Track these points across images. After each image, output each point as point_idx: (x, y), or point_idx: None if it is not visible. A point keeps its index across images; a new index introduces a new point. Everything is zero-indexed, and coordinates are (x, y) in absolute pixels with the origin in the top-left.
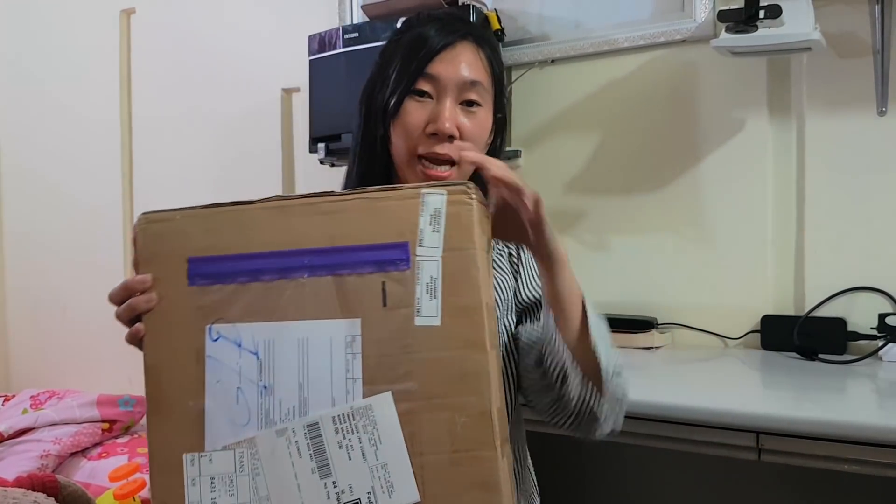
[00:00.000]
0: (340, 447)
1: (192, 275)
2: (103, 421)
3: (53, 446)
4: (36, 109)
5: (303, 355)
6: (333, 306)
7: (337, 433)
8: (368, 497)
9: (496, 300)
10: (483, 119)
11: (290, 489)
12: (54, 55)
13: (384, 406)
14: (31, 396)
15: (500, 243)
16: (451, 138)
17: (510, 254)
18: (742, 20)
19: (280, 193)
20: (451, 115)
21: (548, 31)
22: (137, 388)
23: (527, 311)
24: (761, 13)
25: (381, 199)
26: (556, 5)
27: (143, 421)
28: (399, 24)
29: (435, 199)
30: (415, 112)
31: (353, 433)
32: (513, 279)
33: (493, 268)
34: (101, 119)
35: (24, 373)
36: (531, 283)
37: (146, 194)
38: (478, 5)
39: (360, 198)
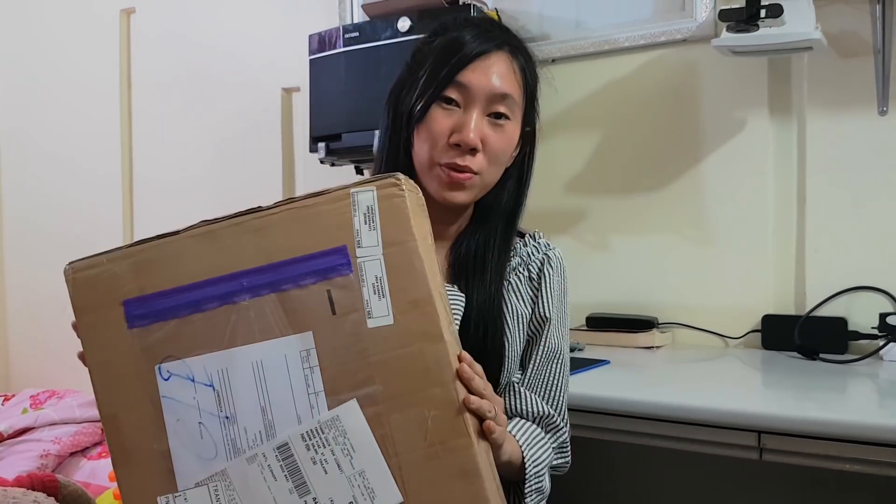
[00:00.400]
0: (314, 463)
1: (130, 317)
2: None
3: (53, 446)
4: (36, 109)
5: (259, 378)
6: (282, 324)
7: (308, 450)
8: None
9: (507, 327)
10: (510, 133)
11: None
12: (54, 55)
13: (351, 414)
14: (31, 396)
15: (523, 266)
16: (473, 151)
17: (530, 277)
18: (743, 19)
19: (274, 199)
20: (476, 126)
21: (548, 30)
22: None
23: (532, 335)
24: (762, 13)
25: (311, 206)
26: (556, 5)
27: None
28: (400, 28)
29: (365, 197)
30: (441, 119)
31: (324, 447)
32: (531, 304)
33: (512, 292)
34: (100, 119)
35: (23, 372)
36: (548, 302)
37: (146, 194)
38: (478, 5)
39: (289, 208)
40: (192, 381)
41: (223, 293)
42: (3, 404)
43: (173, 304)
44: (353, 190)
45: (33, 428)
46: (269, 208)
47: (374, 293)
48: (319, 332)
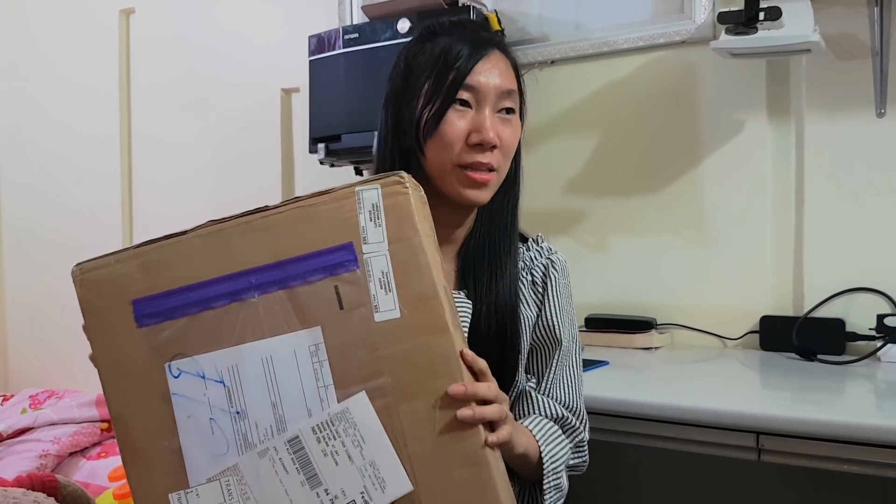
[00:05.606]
0: (325, 455)
1: (139, 316)
2: (102, 421)
3: (53, 446)
4: (35, 109)
5: (269, 373)
6: (291, 319)
7: (319, 442)
8: (363, 496)
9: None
10: (516, 126)
11: None
12: (53, 55)
13: (360, 406)
14: (31, 396)
15: (526, 270)
16: (493, 147)
17: (533, 281)
18: (742, 22)
19: (266, 204)
20: (492, 124)
21: (547, 32)
22: None
23: (539, 341)
24: (761, 15)
25: (317, 205)
26: (555, 6)
27: None
28: (400, 29)
29: (370, 195)
30: (456, 122)
31: (335, 439)
32: (535, 308)
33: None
34: (100, 119)
35: (23, 372)
36: (556, 307)
37: (145, 194)
38: (478, 6)
39: (295, 207)
40: (203, 377)
41: (232, 291)
42: (2, 404)
43: (182, 303)
44: (358, 188)
45: (32, 428)
46: (275, 207)
47: (381, 288)
48: (328, 327)
